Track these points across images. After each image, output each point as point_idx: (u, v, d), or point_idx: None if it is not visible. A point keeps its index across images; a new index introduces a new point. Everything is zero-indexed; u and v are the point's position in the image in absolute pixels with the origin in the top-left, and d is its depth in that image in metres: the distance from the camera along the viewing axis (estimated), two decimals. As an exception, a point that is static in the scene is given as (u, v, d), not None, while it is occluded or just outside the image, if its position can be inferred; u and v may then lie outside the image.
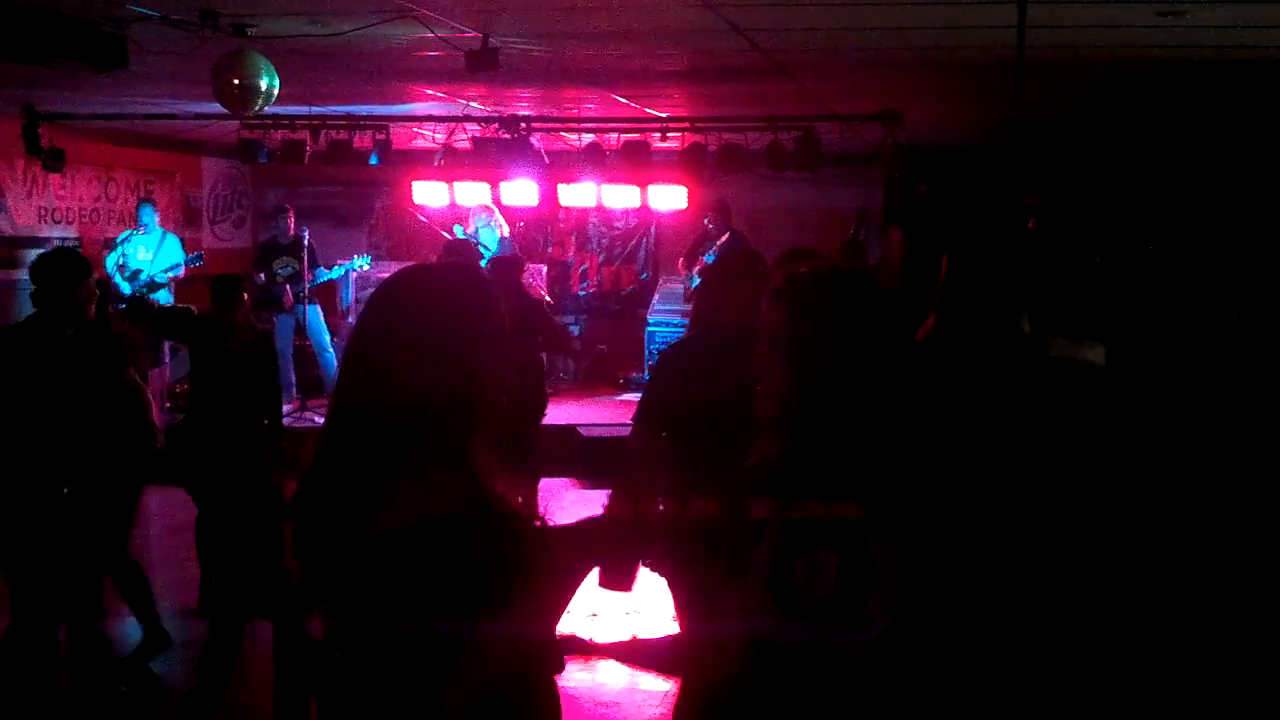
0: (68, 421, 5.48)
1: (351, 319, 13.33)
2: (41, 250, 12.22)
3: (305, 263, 11.98)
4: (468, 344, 2.24)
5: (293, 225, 12.17)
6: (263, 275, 12.16)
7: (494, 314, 2.31)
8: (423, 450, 2.19)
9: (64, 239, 12.59)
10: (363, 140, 11.42)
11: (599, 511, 3.67)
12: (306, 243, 12.05)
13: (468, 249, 9.40)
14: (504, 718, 2.20)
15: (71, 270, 5.52)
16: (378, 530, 2.14)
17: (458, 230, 12.14)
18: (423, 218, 14.15)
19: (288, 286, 11.98)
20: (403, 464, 2.18)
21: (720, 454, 3.59)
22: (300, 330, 12.19)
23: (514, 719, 2.23)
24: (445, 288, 2.32)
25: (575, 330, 14.37)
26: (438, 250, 14.22)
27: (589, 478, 9.37)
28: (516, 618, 2.14)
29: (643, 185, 12.54)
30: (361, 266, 12.66)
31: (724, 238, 12.19)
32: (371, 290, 9.91)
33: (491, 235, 11.58)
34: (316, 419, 11.07)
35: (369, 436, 2.19)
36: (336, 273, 12.57)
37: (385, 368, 2.20)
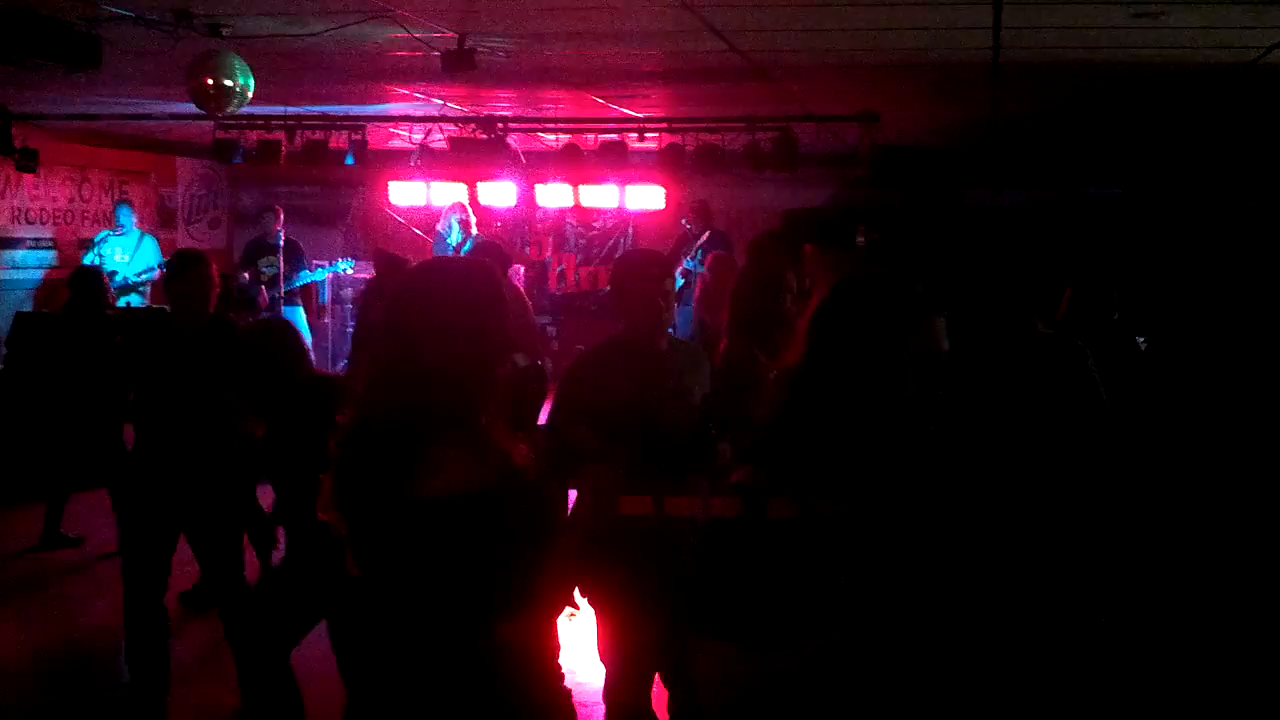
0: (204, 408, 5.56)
1: (328, 319, 13.31)
2: (14, 251, 12.25)
3: (283, 263, 11.95)
4: (480, 326, 2.59)
5: (280, 225, 12.12)
6: (246, 275, 12.11)
7: (500, 299, 2.68)
8: (448, 422, 2.50)
9: (38, 239, 12.52)
10: (339, 140, 11.38)
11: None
12: (282, 242, 12.01)
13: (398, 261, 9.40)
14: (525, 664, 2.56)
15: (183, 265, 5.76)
16: (421, 495, 2.43)
17: (456, 229, 12.04)
18: (400, 219, 14.11)
19: (263, 287, 11.95)
20: (433, 435, 2.48)
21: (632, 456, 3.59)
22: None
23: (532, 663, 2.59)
24: (461, 277, 2.69)
25: (553, 330, 14.37)
26: (416, 251, 14.30)
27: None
28: (551, 576, 2.53)
29: (620, 185, 12.53)
30: (345, 270, 12.65)
31: (704, 237, 12.19)
32: (348, 290, 9.88)
33: (462, 235, 11.56)
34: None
35: (401, 410, 2.51)
36: (320, 275, 12.54)
37: (413, 350, 2.54)
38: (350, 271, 12.82)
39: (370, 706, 2.57)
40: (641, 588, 4.06)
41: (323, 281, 13.02)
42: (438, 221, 12.42)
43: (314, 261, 12.59)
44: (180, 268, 5.70)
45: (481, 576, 2.47)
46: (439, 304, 2.59)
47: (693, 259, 11.86)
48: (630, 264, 4.71)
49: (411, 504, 2.44)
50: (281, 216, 12.20)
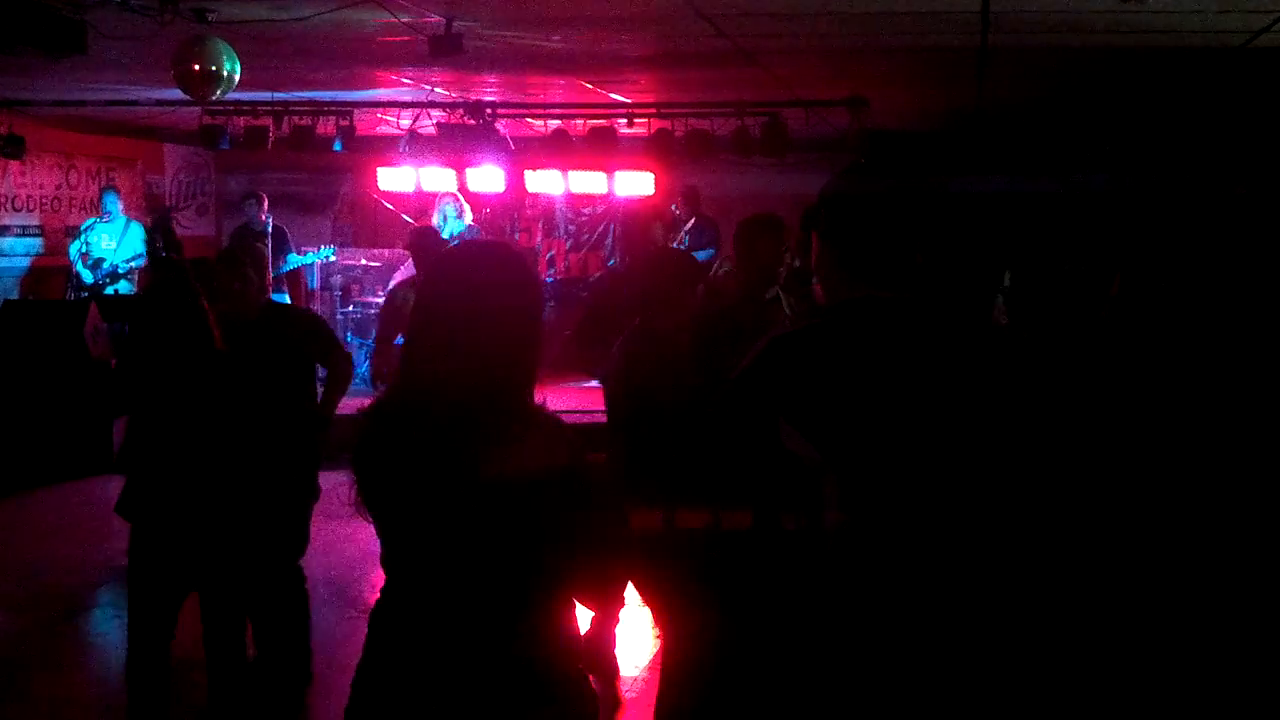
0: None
1: (316, 305, 13.27)
2: (0, 238, 12.19)
3: (270, 249, 11.92)
4: (525, 308, 2.57)
5: (265, 211, 12.08)
6: None
7: (537, 280, 2.68)
8: (507, 403, 2.48)
9: (25, 227, 12.47)
10: (326, 126, 11.34)
11: None
12: (270, 228, 11.98)
13: (432, 235, 9.37)
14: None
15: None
16: (494, 476, 2.41)
17: (451, 218, 12.01)
18: (389, 205, 14.07)
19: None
20: (499, 416, 2.45)
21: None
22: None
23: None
24: (503, 260, 2.63)
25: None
26: (403, 237, 14.29)
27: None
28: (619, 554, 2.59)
29: (609, 171, 12.51)
30: (328, 258, 12.64)
31: (690, 224, 12.18)
32: (337, 277, 9.79)
33: (458, 224, 11.54)
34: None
35: (456, 392, 2.47)
36: (309, 259, 12.53)
37: (458, 335, 2.49)
38: (333, 259, 12.83)
39: (391, 683, 2.57)
40: (699, 595, 4.03)
41: (311, 267, 12.99)
42: (430, 207, 12.40)
43: (305, 250, 12.58)
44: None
45: (532, 559, 2.49)
46: (487, 286, 2.55)
47: (679, 245, 11.86)
48: (665, 265, 4.67)
49: (482, 485, 2.43)
50: (266, 203, 12.17)
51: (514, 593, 2.52)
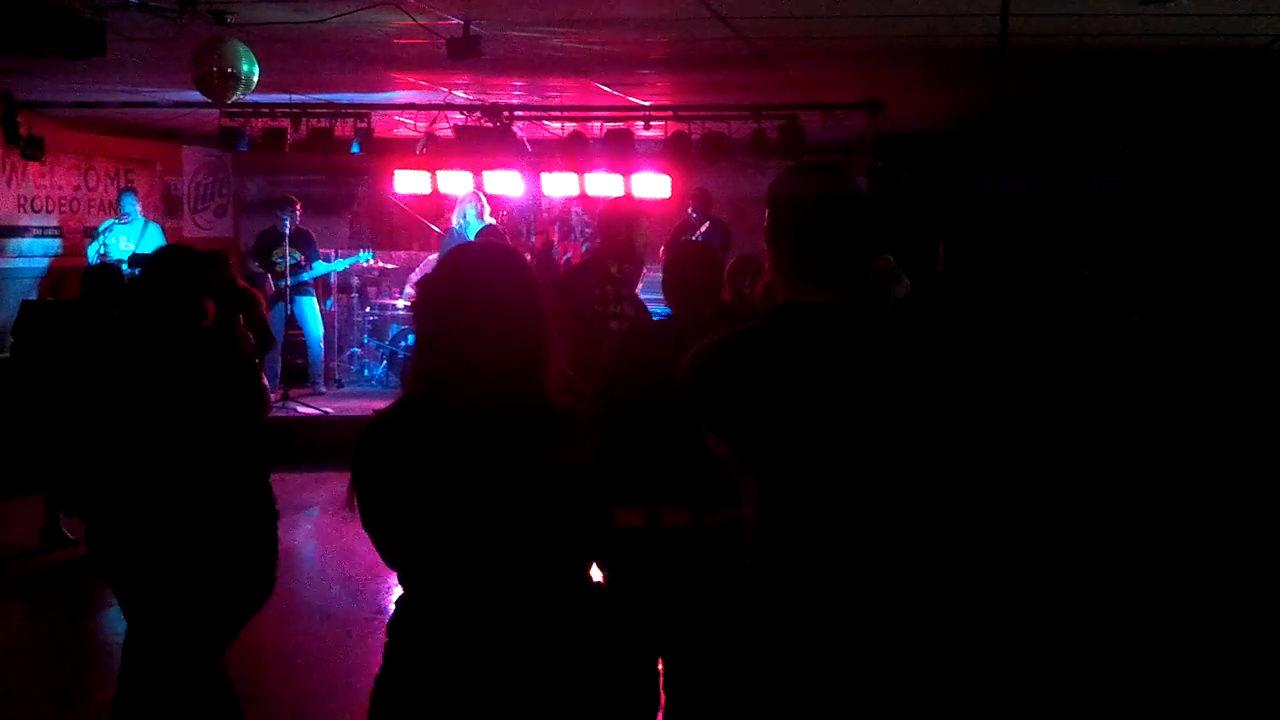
0: None
1: (334, 307, 13.29)
2: (20, 239, 12.23)
3: (300, 253, 11.91)
4: (539, 301, 2.60)
5: (299, 216, 12.02)
6: (258, 263, 12.06)
7: (534, 275, 2.71)
8: (536, 403, 2.51)
9: (44, 228, 12.52)
10: (344, 128, 11.37)
11: None
12: (289, 231, 11.97)
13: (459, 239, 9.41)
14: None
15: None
16: (560, 466, 2.49)
17: (471, 220, 11.99)
18: (406, 207, 14.09)
19: (269, 277, 11.87)
20: (526, 416, 2.50)
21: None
22: (291, 320, 12.04)
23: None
24: (506, 260, 2.67)
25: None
26: (420, 239, 14.32)
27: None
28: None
29: (626, 174, 12.51)
30: (366, 261, 12.65)
31: (704, 227, 12.18)
32: (354, 279, 9.75)
33: (478, 224, 11.58)
34: (299, 409, 11.02)
35: (481, 396, 2.49)
36: (340, 265, 12.53)
37: (483, 334, 2.50)
38: (371, 262, 12.84)
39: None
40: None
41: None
42: (447, 210, 12.41)
43: (323, 251, 12.55)
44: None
45: (566, 555, 2.56)
46: (503, 284, 2.58)
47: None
48: (689, 258, 4.80)
49: (523, 484, 2.48)
50: (299, 208, 12.07)
51: (549, 589, 2.54)
